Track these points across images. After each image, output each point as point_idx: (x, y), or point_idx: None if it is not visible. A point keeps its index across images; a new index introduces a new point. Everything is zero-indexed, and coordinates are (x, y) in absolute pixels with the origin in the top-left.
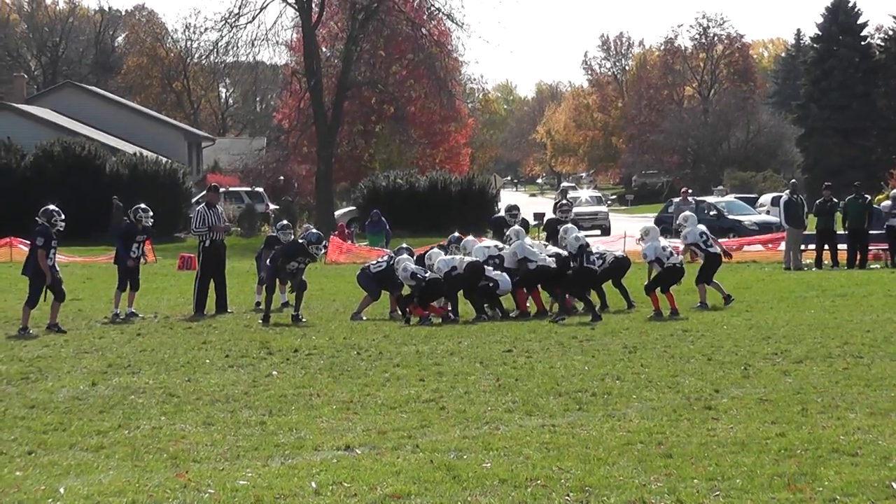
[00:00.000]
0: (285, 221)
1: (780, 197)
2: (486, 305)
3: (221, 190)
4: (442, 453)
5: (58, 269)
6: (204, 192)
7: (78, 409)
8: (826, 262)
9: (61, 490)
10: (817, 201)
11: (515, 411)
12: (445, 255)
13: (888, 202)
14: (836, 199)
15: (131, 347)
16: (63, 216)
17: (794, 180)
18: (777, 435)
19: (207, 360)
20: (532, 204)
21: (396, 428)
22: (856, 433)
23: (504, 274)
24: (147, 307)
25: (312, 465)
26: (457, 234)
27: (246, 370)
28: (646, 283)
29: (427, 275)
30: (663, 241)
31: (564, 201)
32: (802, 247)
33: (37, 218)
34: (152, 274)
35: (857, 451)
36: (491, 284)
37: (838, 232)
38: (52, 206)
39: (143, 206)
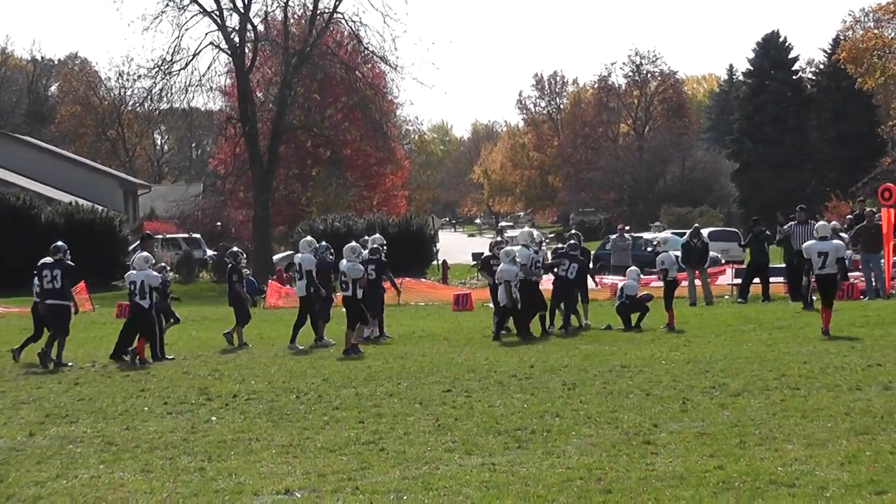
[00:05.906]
0: (324, 243)
1: (717, 232)
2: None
3: (158, 237)
4: (382, 495)
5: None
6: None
7: (15, 460)
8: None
9: None
10: (750, 234)
11: (455, 451)
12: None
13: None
14: (768, 232)
15: (69, 397)
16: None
17: (696, 224)
18: (715, 468)
19: (146, 408)
20: (471, 244)
21: (336, 470)
22: (793, 464)
23: None
24: (85, 356)
25: None
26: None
27: (185, 416)
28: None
29: None
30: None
31: (499, 239)
32: (738, 280)
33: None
34: (90, 322)
35: (795, 481)
36: None
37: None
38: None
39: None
